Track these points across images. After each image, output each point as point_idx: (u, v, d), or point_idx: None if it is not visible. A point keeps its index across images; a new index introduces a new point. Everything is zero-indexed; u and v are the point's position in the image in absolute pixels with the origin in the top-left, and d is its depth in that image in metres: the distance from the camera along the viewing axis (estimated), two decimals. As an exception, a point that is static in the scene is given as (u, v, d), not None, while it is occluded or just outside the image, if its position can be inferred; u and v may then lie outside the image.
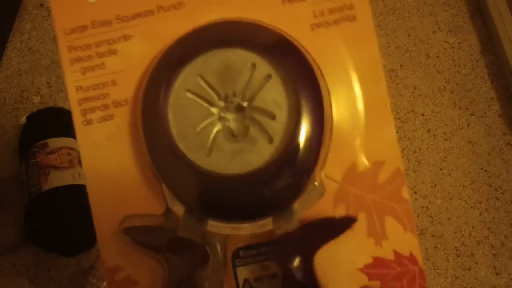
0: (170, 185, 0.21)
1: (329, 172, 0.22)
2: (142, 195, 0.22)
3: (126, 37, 0.22)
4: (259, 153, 0.21)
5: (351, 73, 0.22)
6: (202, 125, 0.21)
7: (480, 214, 0.76)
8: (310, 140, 0.21)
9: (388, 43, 0.90)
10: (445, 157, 0.80)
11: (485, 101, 0.85)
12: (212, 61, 0.21)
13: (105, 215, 0.22)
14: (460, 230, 0.75)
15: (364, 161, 0.22)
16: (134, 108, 0.22)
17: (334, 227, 0.22)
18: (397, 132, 0.82)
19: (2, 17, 0.86)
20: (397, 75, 0.87)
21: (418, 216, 0.76)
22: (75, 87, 0.22)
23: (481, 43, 0.90)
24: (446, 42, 0.90)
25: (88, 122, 0.22)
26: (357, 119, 0.22)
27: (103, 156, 0.22)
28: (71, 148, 0.70)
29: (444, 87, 0.86)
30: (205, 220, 0.21)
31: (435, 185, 0.78)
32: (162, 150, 0.21)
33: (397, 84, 0.86)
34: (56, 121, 0.74)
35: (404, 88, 0.86)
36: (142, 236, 0.21)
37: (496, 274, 0.72)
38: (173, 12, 0.22)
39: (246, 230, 0.22)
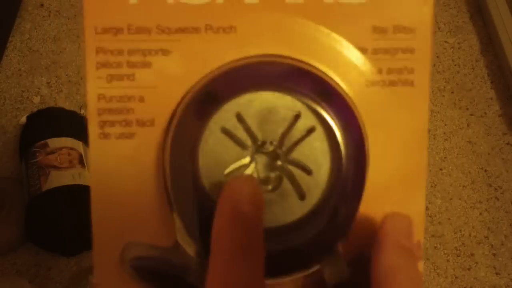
0: (187, 224, 0.20)
1: (351, 239, 0.21)
2: (151, 224, 0.20)
3: (165, 52, 0.20)
4: (288, 209, 0.19)
5: (396, 140, 0.21)
6: (231, 167, 0.19)
7: (480, 214, 0.76)
8: (346, 203, 0.20)
9: (388, 43, 0.90)
10: (445, 157, 0.80)
11: (485, 101, 0.85)
12: (255, 102, 0.19)
13: (106, 237, 0.20)
14: (460, 230, 0.75)
15: None
16: (161, 132, 0.20)
17: None
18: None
19: (2, 17, 0.86)
20: (397, 75, 0.87)
21: (418, 216, 0.76)
22: (97, 95, 0.20)
23: (481, 43, 0.90)
24: (446, 42, 0.90)
25: (105, 136, 0.20)
26: (390, 187, 0.21)
27: (116, 175, 0.20)
28: (71, 148, 0.70)
29: (444, 87, 0.86)
30: None
31: (435, 185, 0.78)
32: (185, 185, 0.20)
33: (397, 84, 0.86)
34: (56, 121, 0.74)
35: (404, 88, 0.86)
36: (149, 273, 0.20)
37: (496, 274, 0.72)
38: (222, 36, 0.20)
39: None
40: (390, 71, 0.21)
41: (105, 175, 0.20)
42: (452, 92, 0.85)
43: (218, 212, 0.18)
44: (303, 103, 0.19)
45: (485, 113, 0.84)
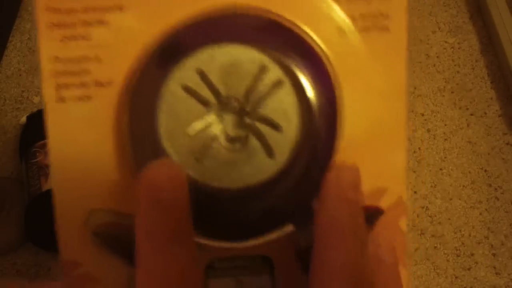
0: None
1: None
2: (115, 190, 0.19)
3: (120, 8, 0.19)
4: (256, 168, 0.18)
5: (371, 88, 0.20)
6: (196, 128, 0.18)
7: (480, 214, 0.76)
8: (318, 159, 0.19)
9: (388, 43, 0.90)
10: (445, 157, 0.80)
11: (485, 101, 0.85)
12: (217, 56, 0.18)
13: (69, 205, 0.19)
14: (460, 230, 0.75)
15: (366, 184, 0.20)
16: (119, 93, 0.19)
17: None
18: (397, 132, 0.82)
19: (2, 17, 0.86)
20: (397, 75, 0.87)
21: (418, 216, 0.76)
22: (50, 57, 0.19)
23: (481, 43, 0.90)
24: (446, 42, 0.90)
25: (62, 100, 0.19)
26: (367, 139, 0.20)
27: (76, 140, 0.19)
28: (71, 148, 0.70)
29: (444, 87, 0.86)
30: None
31: (435, 185, 0.78)
32: (146, 148, 0.19)
33: (397, 84, 0.86)
34: (56, 121, 0.74)
35: (404, 88, 0.86)
36: (114, 242, 0.19)
37: (496, 274, 0.72)
38: None
39: (227, 247, 0.19)
40: (363, 16, 0.19)
41: (64, 140, 0.19)
42: (452, 92, 0.85)
43: (138, 202, 0.17)
44: (269, 55, 0.18)
45: (485, 113, 0.84)
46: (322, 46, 0.20)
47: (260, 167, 0.18)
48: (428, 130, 0.82)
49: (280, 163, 0.18)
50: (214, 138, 0.18)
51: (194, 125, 0.18)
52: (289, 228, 0.19)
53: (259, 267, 0.20)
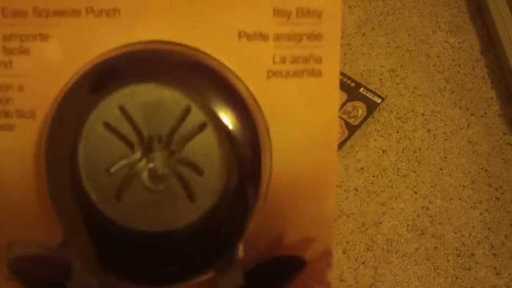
0: (66, 227, 0.18)
1: (252, 238, 0.19)
2: (37, 221, 0.19)
3: (43, 37, 0.18)
4: (177, 212, 0.18)
5: (302, 135, 0.19)
6: (116, 167, 0.18)
7: (480, 214, 0.76)
8: (241, 205, 0.18)
9: (388, 43, 0.90)
10: (445, 157, 0.80)
11: (485, 101, 0.85)
12: (140, 95, 0.18)
13: None
14: (460, 230, 0.75)
15: (293, 234, 0.19)
16: (41, 125, 0.18)
17: (283, 278, 0.19)
18: (397, 132, 0.82)
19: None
20: (397, 75, 0.87)
21: (418, 216, 0.76)
22: None
23: (481, 43, 0.90)
24: (446, 42, 0.90)
25: None
26: (296, 186, 0.19)
27: None
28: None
29: (444, 87, 0.86)
30: (101, 274, 0.18)
31: (435, 185, 0.78)
32: (63, 186, 0.18)
33: (397, 84, 0.86)
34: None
35: (404, 88, 0.86)
36: (29, 273, 0.18)
37: (496, 274, 0.72)
38: (105, 20, 0.18)
39: None
40: (295, 60, 0.19)
41: None
42: (452, 92, 0.85)
43: None
44: (194, 96, 0.18)
45: (486, 113, 0.84)
46: (251, 88, 0.19)
47: (181, 211, 0.18)
48: (428, 130, 0.82)
49: (202, 208, 0.18)
50: (135, 178, 0.18)
51: (114, 163, 0.18)
52: (209, 275, 0.19)
53: None
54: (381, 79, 0.87)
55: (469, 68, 0.88)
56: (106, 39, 0.18)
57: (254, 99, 0.19)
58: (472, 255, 0.73)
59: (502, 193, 0.78)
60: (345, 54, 0.89)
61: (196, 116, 0.18)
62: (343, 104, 0.83)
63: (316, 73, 0.19)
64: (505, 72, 0.86)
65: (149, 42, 0.18)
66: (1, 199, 0.19)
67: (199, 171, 0.18)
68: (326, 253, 0.20)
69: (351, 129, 0.81)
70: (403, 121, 0.83)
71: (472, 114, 0.84)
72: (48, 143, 0.18)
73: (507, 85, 0.86)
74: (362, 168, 0.79)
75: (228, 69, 0.19)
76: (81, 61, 0.18)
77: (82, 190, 0.18)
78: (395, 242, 0.74)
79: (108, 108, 0.18)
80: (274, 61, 0.19)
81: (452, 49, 0.90)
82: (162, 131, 0.18)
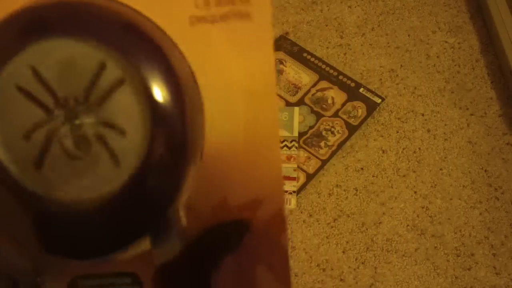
0: None
1: (194, 203, 0.18)
2: None
3: None
4: (101, 178, 0.16)
5: (236, 86, 0.17)
6: (33, 134, 0.16)
7: (480, 214, 0.76)
8: (169, 166, 0.17)
9: (388, 43, 0.90)
10: (445, 157, 0.80)
11: (485, 101, 0.85)
12: (51, 52, 0.16)
13: None
14: (460, 230, 0.75)
15: (239, 196, 0.18)
16: None
17: (223, 243, 0.18)
18: (397, 132, 0.82)
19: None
20: (397, 75, 0.87)
21: (418, 216, 0.76)
22: None
23: (481, 43, 0.90)
24: (446, 42, 0.90)
25: None
26: (236, 143, 0.17)
27: None
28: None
29: (444, 87, 0.86)
30: (29, 250, 0.17)
31: (435, 185, 0.78)
32: None
33: (397, 84, 0.86)
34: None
35: (404, 88, 0.86)
36: None
37: (496, 274, 0.72)
38: None
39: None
40: (219, 2, 0.17)
41: None
42: (452, 92, 0.85)
43: None
44: (109, 50, 0.16)
45: (485, 113, 0.84)
46: (173, 38, 0.17)
47: (106, 177, 0.16)
48: (428, 130, 0.82)
49: (127, 172, 0.16)
50: (54, 143, 0.16)
51: (31, 129, 0.16)
52: (146, 242, 0.17)
53: (126, 285, 0.18)
54: (381, 79, 0.87)
55: (469, 68, 0.88)
56: None
57: (178, 50, 0.17)
58: (472, 255, 0.73)
59: (502, 193, 0.78)
60: (345, 54, 0.89)
61: (112, 72, 0.16)
62: (343, 104, 0.84)
63: (244, 15, 0.17)
64: (505, 72, 0.86)
65: None
66: None
67: (121, 131, 0.16)
68: (278, 214, 0.18)
69: (351, 129, 0.81)
70: (403, 121, 0.83)
71: (472, 114, 0.84)
72: None
73: (507, 85, 0.86)
74: (362, 168, 0.79)
75: (147, 18, 0.17)
76: None
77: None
78: (395, 242, 0.74)
79: (18, 68, 0.16)
80: (196, 5, 0.17)
81: (452, 49, 0.90)
82: (77, 91, 0.16)
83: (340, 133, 0.81)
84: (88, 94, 0.16)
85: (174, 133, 0.17)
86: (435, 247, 0.74)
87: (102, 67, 0.16)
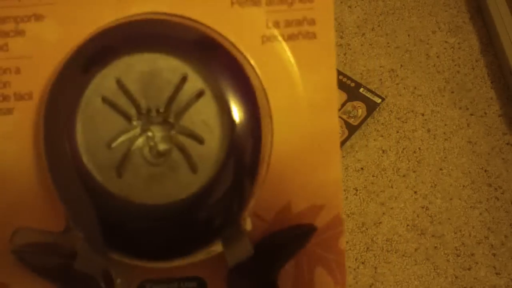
0: (68, 205, 0.18)
1: (259, 209, 0.19)
2: (39, 207, 0.18)
3: (38, 17, 0.18)
4: (180, 184, 0.17)
5: (301, 100, 0.19)
6: (116, 142, 0.17)
7: (480, 214, 0.76)
8: (243, 173, 0.18)
9: (388, 43, 0.90)
10: (445, 157, 0.80)
11: (485, 101, 0.85)
12: (135, 65, 0.17)
13: None
14: (460, 230, 0.75)
15: (301, 202, 0.19)
16: (39, 105, 0.18)
17: (293, 245, 0.19)
18: (397, 132, 0.82)
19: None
20: (397, 75, 0.87)
21: (418, 216, 0.76)
22: None
23: (481, 43, 0.90)
24: (446, 42, 0.90)
25: None
26: (300, 152, 0.19)
27: None
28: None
29: (444, 87, 0.86)
30: (107, 252, 0.18)
31: (435, 185, 0.78)
32: (63, 164, 0.17)
33: (397, 84, 0.86)
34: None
35: (404, 88, 0.86)
36: (34, 261, 0.18)
37: (496, 274, 0.72)
38: None
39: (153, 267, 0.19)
40: (288, 23, 0.18)
41: None
42: (452, 92, 0.85)
43: None
44: (190, 64, 0.17)
45: (485, 113, 0.84)
46: (246, 55, 0.19)
47: (183, 183, 0.17)
48: (428, 130, 0.82)
49: (204, 178, 0.17)
50: (135, 151, 0.17)
51: (114, 137, 0.17)
52: (218, 246, 0.18)
53: None
54: (381, 79, 0.87)
55: (469, 68, 0.88)
56: (101, 15, 0.18)
57: (251, 65, 0.19)
58: (472, 255, 0.73)
59: (502, 193, 0.78)
60: (345, 54, 0.89)
61: (193, 84, 0.17)
62: (343, 104, 0.84)
63: (311, 36, 0.19)
64: (505, 72, 0.86)
65: (144, 14, 0.18)
66: (4, 187, 0.18)
67: (199, 140, 0.17)
68: (336, 220, 0.19)
69: (351, 129, 0.81)
70: (403, 121, 0.83)
71: (472, 114, 0.84)
72: (45, 121, 0.18)
73: (507, 85, 0.86)
74: (362, 168, 0.79)
75: (223, 36, 0.18)
76: (77, 38, 0.18)
77: (82, 167, 0.17)
78: (395, 242, 0.74)
79: (104, 81, 0.17)
80: (267, 26, 0.18)
81: (452, 49, 0.90)
82: (159, 102, 0.17)
83: (340, 133, 0.81)
84: (169, 105, 0.17)
85: (250, 143, 0.18)
86: (435, 247, 0.74)
87: (184, 79, 0.17)
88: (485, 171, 0.79)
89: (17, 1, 0.18)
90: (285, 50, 0.19)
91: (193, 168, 0.17)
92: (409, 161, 0.80)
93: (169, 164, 0.17)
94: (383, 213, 0.76)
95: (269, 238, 0.19)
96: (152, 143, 0.17)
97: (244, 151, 0.18)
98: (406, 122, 0.83)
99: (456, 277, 0.72)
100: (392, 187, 0.78)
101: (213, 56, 0.18)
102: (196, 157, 0.17)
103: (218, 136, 0.17)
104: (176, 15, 0.18)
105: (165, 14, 0.18)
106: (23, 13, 0.18)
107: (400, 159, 0.80)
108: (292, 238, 0.19)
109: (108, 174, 0.17)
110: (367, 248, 0.73)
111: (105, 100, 0.17)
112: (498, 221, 0.76)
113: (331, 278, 0.19)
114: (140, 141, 0.17)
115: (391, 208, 0.76)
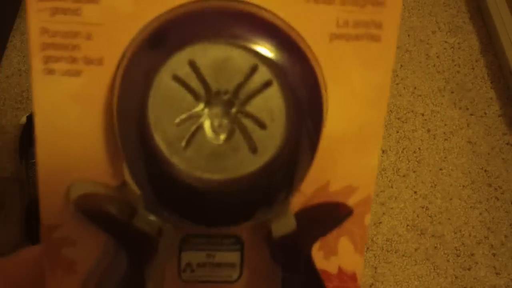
0: (134, 172, 0.19)
1: (302, 186, 0.21)
2: (98, 163, 0.20)
3: None
4: (239, 162, 0.19)
5: (356, 95, 0.20)
6: (184, 117, 0.19)
7: (480, 214, 0.76)
8: (299, 160, 0.20)
9: (388, 43, 0.90)
10: (445, 157, 0.80)
11: (485, 101, 0.85)
12: (211, 51, 0.19)
13: (52, 174, 0.20)
14: (460, 230, 0.75)
15: (339, 182, 0.21)
16: (110, 72, 0.19)
17: (331, 223, 0.22)
18: (397, 132, 0.82)
19: (2, 17, 0.86)
20: (397, 75, 0.87)
21: (418, 216, 0.76)
22: (39, 28, 0.19)
23: (481, 43, 0.90)
24: (446, 42, 0.90)
25: (50, 72, 0.19)
26: (347, 140, 0.21)
27: (62, 113, 0.20)
28: (71, 148, 0.70)
29: (444, 87, 0.86)
30: (164, 214, 0.20)
31: (435, 185, 0.78)
32: (133, 132, 0.19)
33: (397, 84, 0.86)
34: (56, 121, 0.74)
35: (404, 88, 0.86)
36: (94, 214, 0.20)
37: (496, 274, 0.72)
38: None
39: (204, 232, 0.21)
40: (356, 24, 0.20)
41: (51, 112, 0.20)
42: (452, 92, 0.85)
43: None
44: (261, 55, 0.19)
45: (485, 113, 0.84)
46: (313, 49, 0.20)
47: (243, 162, 0.19)
48: (428, 130, 0.82)
49: (263, 160, 0.19)
50: (200, 129, 0.19)
51: (182, 115, 0.19)
52: (264, 221, 0.20)
53: (230, 244, 0.22)
54: (381, 79, 0.87)
55: (469, 68, 0.88)
56: None
57: (316, 60, 0.20)
58: (472, 255, 0.73)
59: (502, 193, 0.78)
60: (345, 54, 0.89)
61: (263, 74, 0.19)
62: (343, 104, 0.84)
63: (376, 38, 0.20)
64: (505, 72, 0.86)
65: (223, 1, 0.20)
66: (66, 142, 0.20)
67: (262, 125, 0.19)
68: (366, 200, 0.21)
69: (351, 129, 0.81)
70: (403, 121, 0.83)
71: (472, 114, 0.84)
72: (119, 93, 0.19)
73: (507, 85, 0.86)
74: (362, 168, 0.79)
75: (294, 30, 0.20)
76: (151, 13, 0.19)
77: (151, 140, 0.19)
78: (395, 242, 0.74)
79: (179, 62, 0.19)
80: (337, 25, 0.20)
81: (452, 49, 0.90)
82: (229, 87, 0.19)
83: (340, 133, 0.81)
84: (238, 91, 0.19)
85: (309, 134, 0.20)
86: (435, 247, 0.74)
87: (254, 69, 0.19)
88: (485, 171, 0.79)
89: None
90: (350, 49, 0.20)
91: (253, 150, 0.19)
92: (409, 161, 0.80)
93: (231, 144, 0.19)
94: (383, 213, 0.76)
95: (308, 213, 0.21)
96: (216, 123, 0.19)
97: (302, 141, 0.19)
98: (406, 122, 0.83)
99: (456, 277, 0.72)
100: (392, 187, 0.78)
101: (284, 48, 0.19)
102: (257, 140, 0.19)
103: (281, 124, 0.19)
104: (253, 4, 0.19)
105: (242, 1, 0.19)
106: None
107: (400, 159, 0.80)
108: (330, 219, 0.21)
109: (174, 147, 0.19)
110: (367, 248, 0.73)
111: (177, 79, 0.18)
112: (498, 221, 0.76)
113: (352, 246, 0.22)
114: (206, 119, 0.19)
115: (391, 208, 0.76)
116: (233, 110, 0.19)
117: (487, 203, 0.77)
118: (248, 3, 0.19)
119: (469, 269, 0.72)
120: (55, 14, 0.19)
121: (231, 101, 0.19)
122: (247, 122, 0.19)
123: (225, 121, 0.19)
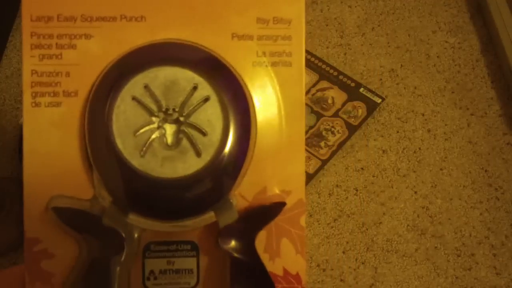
0: (103, 176, 0.23)
1: (243, 191, 0.25)
2: (74, 180, 0.24)
3: (87, 36, 0.24)
4: (187, 163, 0.23)
5: (277, 109, 0.25)
6: (141, 130, 0.23)
7: (481, 214, 0.76)
8: (234, 160, 0.24)
9: (388, 43, 0.90)
10: (445, 157, 0.80)
11: (485, 101, 0.85)
12: (160, 75, 0.23)
13: (35, 192, 0.24)
14: (461, 230, 0.75)
15: (274, 187, 0.25)
16: (83, 101, 0.24)
17: (268, 214, 0.25)
18: (397, 132, 0.82)
19: (2, 17, 0.86)
20: (397, 75, 0.87)
21: (418, 216, 0.76)
22: (30, 70, 0.24)
23: (481, 43, 0.90)
24: (446, 42, 0.90)
25: (37, 105, 0.24)
26: (275, 150, 0.25)
27: (45, 138, 0.24)
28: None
29: (444, 87, 0.86)
30: (128, 213, 0.24)
31: (435, 185, 0.78)
32: (101, 144, 0.23)
33: (397, 84, 0.86)
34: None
35: (404, 88, 0.86)
36: (69, 216, 0.24)
37: (497, 274, 0.72)
38: (134, 24, 0.24)
39: (161, 227, 0.24)
40: (272, 54, 0.25)
41: (36, 138, 0.24)
42: (453, 92, 0.85)
43: None
44: (201, 76, 0.24)
45: (486, 113, 0.84)
46: (241, 74, 0.25)
47: (190, 163, 0.23)
48: (429, 130, 0.82)
49: (205, 160, 0.23)
50: (154, 138, 0.23)
51: (140, 127, 0.23)
52: (211, 215, 0.24)
53: (187, 250, 0.25)
54: (381, 79, 0.87)
55: (469, 68, 0.88)
56: (135, 38, 0.24)
57: (244, 82, 0.25)
58: (472, 255, 0.73)
59: (502, 193, 0.78)
60: (345, 54, 0.89)
61: (202, 91, 0.24)
62: (343, 104, 0.83)
63: (288, 64, 0.25)
64: (505, 72, 0.86)
65: (168, 39, 0.25)
66: (48, 164, 0.24)
67: (203, 132, 0.24)
68: (299, 203, 0.26)
69: (351, 129, 0.81)
70: (403, 121, 0.83)
71: (472, 114, 0.84)
72: (89, 113, 0.24)
73: (507, 85, 0.86)
74: (362, 168, 0.79)
75: (224, 59, 0.25)
76: (115, 54, 0.24)
77: (115, 148, 0.23)
78: (395, 242, 0.74)
79: (136, 85, 0.23)
80: (257, 55, 0.25)
81: (452, 49, 0.90)
82: (176, 103, 0.24)
83: (340, 133, 0.81)
84: (183, 106, 0.24)
85: (241, 139, 0.24)
86: (435, 247, 0.74)
87: (195, 88, 0.24)
88: (486, 171, 0.79)
89: (72, 23, 0.24)
90: (269, 73, 0.25)
91: (197, 153, 0.23)
92: (409, 161, 0.80)
93: (179, 150, 0.23)
94: (383, 213, 0.76)
95: (249, 210, 0.25)
96: (168, 133, 0.24)
97: (237, 144, 0.24)
98: (406, 122, 0.83)
99: (456, 277, 0.72)
100: (392, 187, 0.78)
101: (218, 72, 0.24)
102: (200, 145, 0.23)
103: (218, 131, 0.24)
104: (191, 42, 0.25)
105: (183, 40, 0.25)
106: (77, 32, 0.24)
107: (400, 159, 0.80)
108: (268, 208, 0.25)
109: (133, 153, 0.23)
110: (367, 248, 0.73)
111: (134, 98, 0.23)
112: (499, 221, 0.76)
113: (293, 247, 0.26)
114: (159, 131, 0.24)
115: (391, 208, 0.76)
116: (181, 121, 0.24)
117: (488, 203, 0.77)
118: (189, 41, 0.25)
119: (469, 269, 0.72)
120: (42, 59, 0.24)
121: (179, 115, 0.24)
122: (192, 131, 0.24)
123: (175, 131, 0.24)
